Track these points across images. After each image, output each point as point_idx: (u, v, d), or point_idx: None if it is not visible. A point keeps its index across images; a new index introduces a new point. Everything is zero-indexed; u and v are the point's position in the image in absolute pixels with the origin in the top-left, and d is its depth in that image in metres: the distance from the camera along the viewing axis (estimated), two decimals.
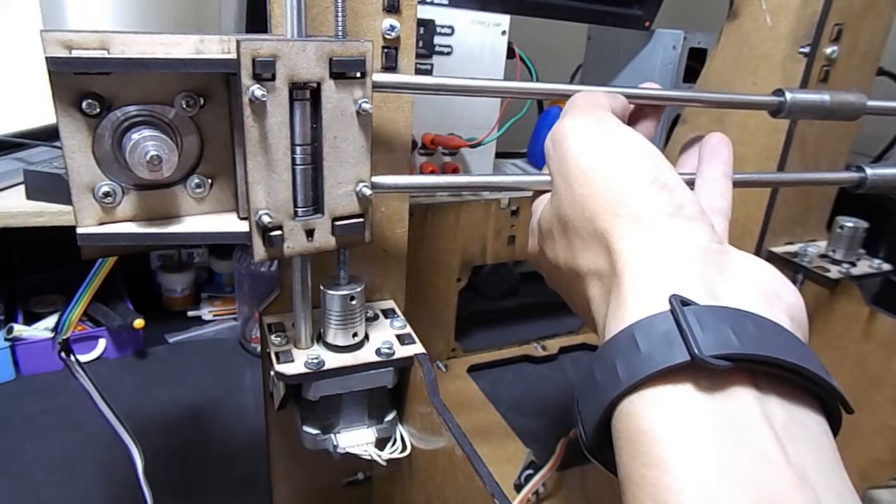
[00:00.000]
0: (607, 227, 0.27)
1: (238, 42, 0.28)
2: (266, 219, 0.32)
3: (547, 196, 0.34)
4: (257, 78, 0.29)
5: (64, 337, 0.43)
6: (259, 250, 0.33)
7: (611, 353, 0.23)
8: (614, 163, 0.28)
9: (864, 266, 0.62)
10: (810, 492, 0.19)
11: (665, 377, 0.21)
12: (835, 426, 0.23)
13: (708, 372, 0.21)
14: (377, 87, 0.33)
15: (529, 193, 0.36)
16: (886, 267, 0.63)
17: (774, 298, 0.24)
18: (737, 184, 0.41)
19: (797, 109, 0.38)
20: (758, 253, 0.64)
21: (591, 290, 0.28)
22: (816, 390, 0.22)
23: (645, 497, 0.20)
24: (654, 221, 0.26)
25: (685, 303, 0.22)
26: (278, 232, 0.33)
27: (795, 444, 0.20)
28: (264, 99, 0.29)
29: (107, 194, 0.32)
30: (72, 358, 0.42)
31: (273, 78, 0.30)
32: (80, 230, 0.32)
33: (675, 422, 0.20)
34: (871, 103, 0.40)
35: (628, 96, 0.36)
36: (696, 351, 0.20)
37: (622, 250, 0.25)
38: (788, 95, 0.37)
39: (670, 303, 0.22)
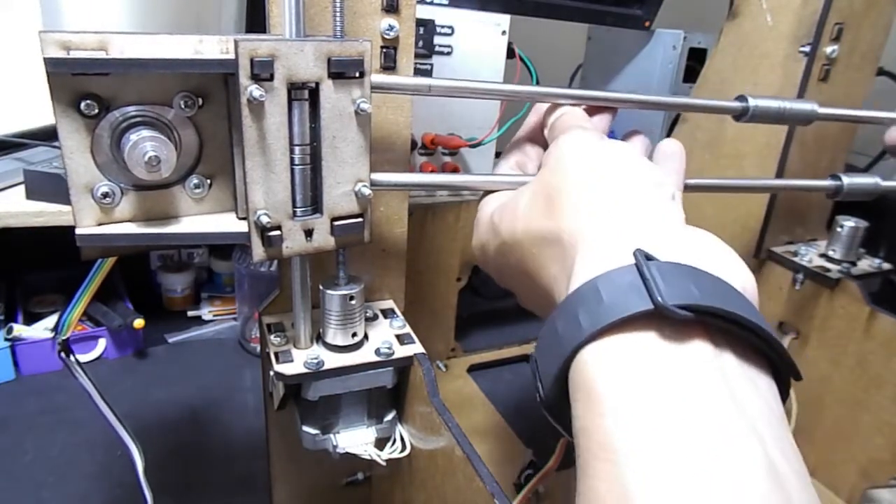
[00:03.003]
0: (584, 197, 0.28)
1: (236, 42, 0.28)
2: (264, 219, 0.32)
3: (498, 194, 0.37)
4: (255, 78, 0.29)
5: (64, 337, 0.43)
6: (258, 250, 0.33)
7: (574, 304, 0.23)
8: (608, 156, 0.30)
9: (865, 265, 0.62)
10: (757, 442, 0.19)
11: (627, 325, 0.21)
12: (783, 392, 0.23)
13: (669, 322, 0.21)
14: (375, 88, 0.33)
15: None
16: (886, 266, 0.63)
17: (730, 272, 0.25)
18: (716, 188, 0.43)
19: (758, 114, 0.41)
20: (758, 252, 0.64)
21: (551, 252, 0.28)
22: (769, 353, 0.22)
23: (594, 446, 0.20)
24: (629, 195, 0.27)
25: (649, 258, 0.23)
26: (277, 232, 0.33)
27: (747, 399, 0.20)
28: (262, 99, 0.29)
29: (105, 195, 0.32)
30: (72, 358, 0.42)
31: (271, 78, 0.30)
32: (79, 231, 0.32)
33: (631, 369, 0.21)
34: (820, 110, 0.43)
35: (591, 99, 0.38)
36: (658, 299, 0.21)
37: (594, 215, 0.27)
38: (752, 102, 0.40)
39: (634, 256, 0.23)
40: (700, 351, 0.21)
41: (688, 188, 0.35)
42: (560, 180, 0.30)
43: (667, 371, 0.21)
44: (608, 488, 0.19)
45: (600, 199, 0.27)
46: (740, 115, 0.41)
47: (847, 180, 0.47)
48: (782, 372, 0.23)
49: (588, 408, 0.21)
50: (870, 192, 0.48)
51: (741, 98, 0.41)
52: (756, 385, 0.21)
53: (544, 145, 0.40)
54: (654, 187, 0.28)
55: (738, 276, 0.24)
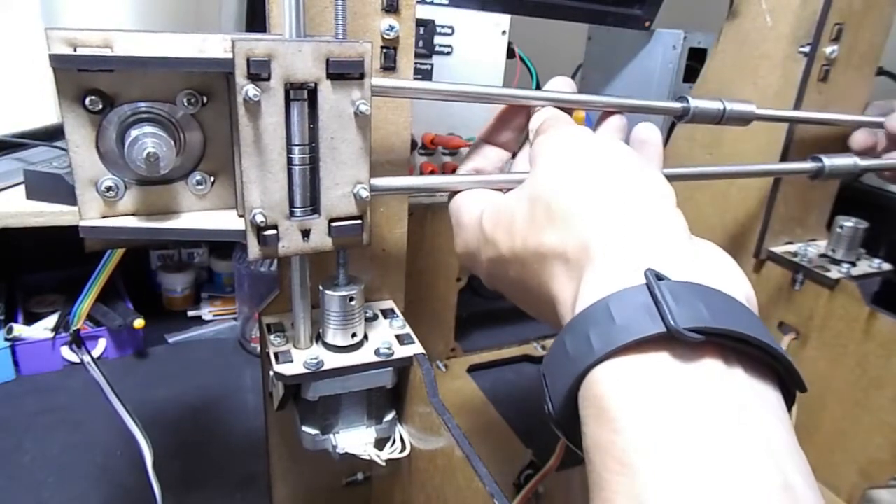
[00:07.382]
0: (589, 208, 0.27)
1: (233, 42, 0.29)
2: (259, 218, 0.32)
3: (477, 193, 0.36)
4: (252, 78, 0.29)
5: (75, 328, 0.43)
6: (253, 249, 0.33)
7: (584, 323, 0.23)
8: (605, 159, 0.30)
9: (864, 266, 0.62)
10: (771, 458, 0.19)
11: (639, 347, 0.22)
12: (788, 402, 0.23)
13: (681, 344, 0.21)
14: (376, 91, 0.33)
15: None
16: (886, 267, 0.63)
17: (734, 285, 0.25)
18: (696, 176, 0.43)
19: (699, 115, 0.41)
20: (758, 252, 0.64)
21: (555, 268, 0.28)
22: (778, 368, 0.23)
23: (610, 461, 0.21)
24: (635, 206, 0.27)
25: (659, 277, 0.23)
26: (272, 231, 0.32)
27: (759, 414, 0.21)
28: (257, 99, 0.29)
29: (109, 188, 0.33)
30: (84, 357, 0.42)
31: (268, 78, 0.30)
32: (82, 223, 0.33)
33: (645, 387, 0.21)
34: (758, 111, 0.43)
35: (543, 100, 0.37)
36: (671, 322, 0.21)
37: (601, 229, 0.26)
38: (692, 102, 0.41)
39: (646, 276, 0.23)
40: (711, 369, 0.21)
41: (667, 178, 0.35)
42: (559, 187, 0.29)
43: (680, 389, 0.21)
44: (625, 502, 0.20)
45: (606, 211, 0.27)
46: (682, 116, 0.41)
47: (828, 161, 0.48)
48: (788, 383, 0.23)
49: (601, 424, 0.21)
50: (849, 172, 0.50)
51: (682, 99, 0.41)
52: (766, 399, 0.22)
53: (504, 145, 0.40)
54: (660, 197, 0.28)
55: (741, 288, 0.25)
